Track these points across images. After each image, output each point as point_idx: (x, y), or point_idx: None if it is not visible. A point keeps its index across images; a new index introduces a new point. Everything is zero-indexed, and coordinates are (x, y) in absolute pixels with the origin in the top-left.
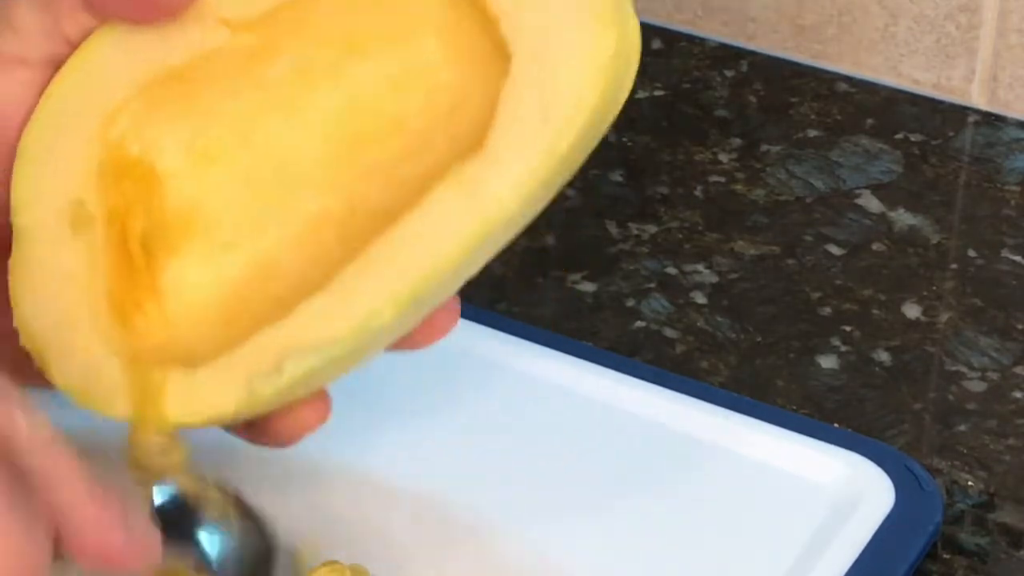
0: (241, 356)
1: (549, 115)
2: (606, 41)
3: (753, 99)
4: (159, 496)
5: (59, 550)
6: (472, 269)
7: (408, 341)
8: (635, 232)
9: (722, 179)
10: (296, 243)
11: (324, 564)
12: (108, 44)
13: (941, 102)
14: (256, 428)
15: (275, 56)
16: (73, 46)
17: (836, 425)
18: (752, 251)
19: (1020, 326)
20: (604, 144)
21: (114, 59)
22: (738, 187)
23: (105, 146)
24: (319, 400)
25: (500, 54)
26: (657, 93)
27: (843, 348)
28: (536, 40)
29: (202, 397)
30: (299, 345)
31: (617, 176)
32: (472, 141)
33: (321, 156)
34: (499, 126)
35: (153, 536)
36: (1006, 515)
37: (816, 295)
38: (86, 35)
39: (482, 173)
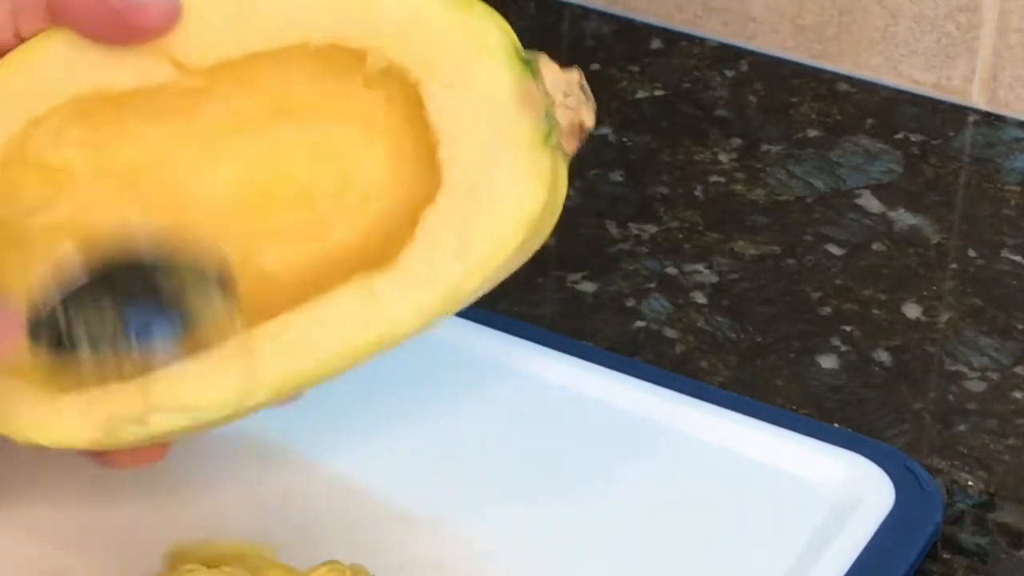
0: (108, 395)
1: (464, 254)
2: (535, 201)
3: (753, 99)
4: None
5: None
6: (354, 368)
7: (109, 458)
8: (635, 232)
9: (722, 179)
10: None
11: (324, 564)
12: (55, 50)
13: (941, 102)
14: (101, 456)
15: (211, 100)
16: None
17: (836, 425)
18: (752, 251)
19: (1020, 326)
20: (604, 144)
21: (57, 66)
22: (738, 187)
23: (19, 147)
24: (159, 447)
25: (431, 176)
26: (657, 93)
27: (843, 348)
28: (470, 178)
29: (58, 424)
30: (170, 404)
31: (617, 176)
32: (384, 251)
33: (224, 201)
34: (415, 248)
35: None
36: (1006, 515)
37: (816, 295)
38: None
39: (387, 290)
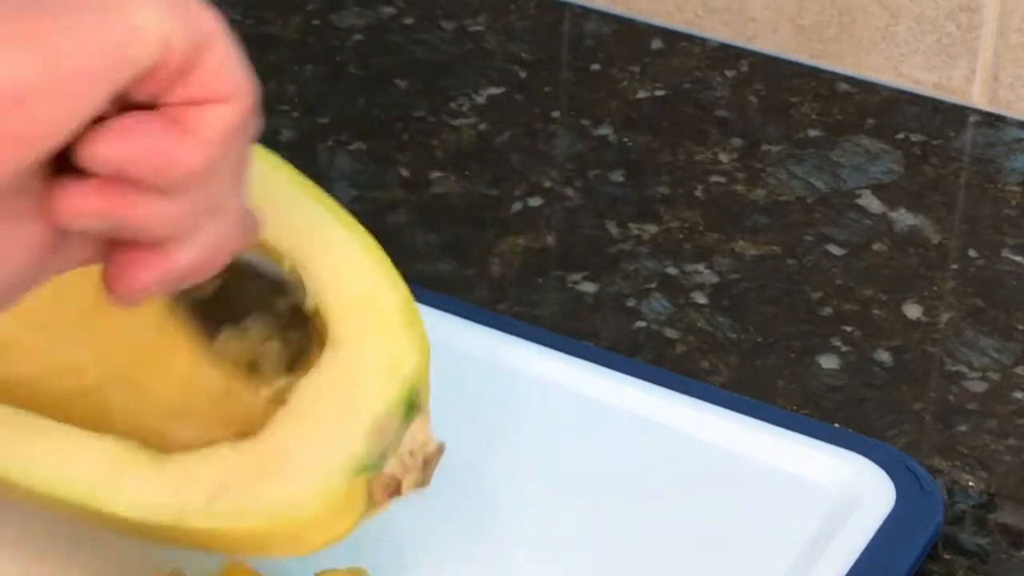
0: None
1: (214, 502)
2: (300, 511)
3: (754, 99)
4: None
5: None
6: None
7: None
8: (635, 232)
9: (722, 179)
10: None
11: (320, 573)
12: None
13: (942, 102)
14: None
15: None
16: None
17: (836, 425)
18: (752, 251)
19: (1021, 326)
20: (604, 144)
21: None
22: (738, 187)
23: None
24: None
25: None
26: (657, 93)
27: (844, 348)
28: (286, 446)
29: None
30: None
31: (617, 176)
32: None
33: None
34: (192, 458)
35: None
36: (1007, 515)
37: (817, 295)
38: None
39: (135, 470)
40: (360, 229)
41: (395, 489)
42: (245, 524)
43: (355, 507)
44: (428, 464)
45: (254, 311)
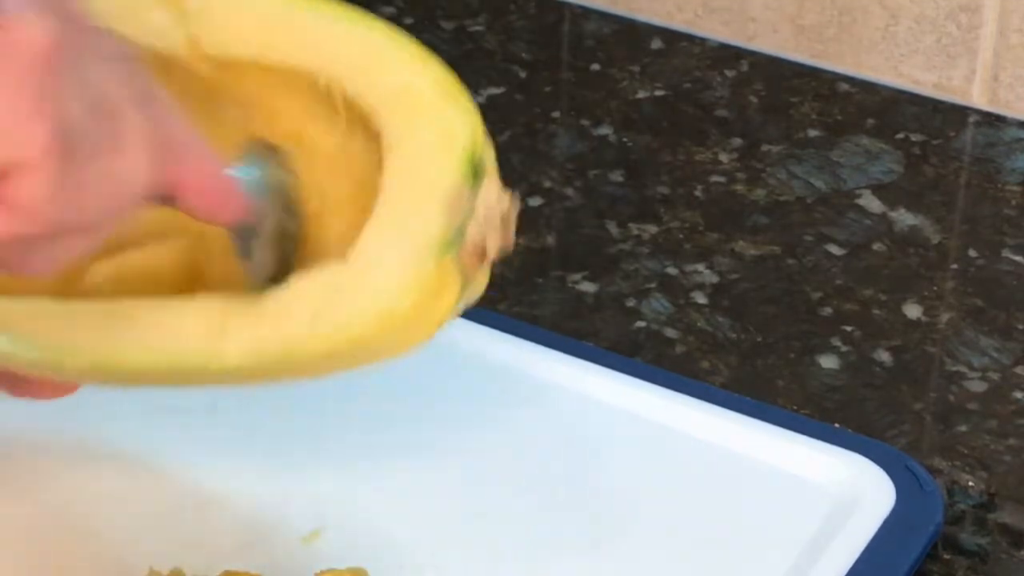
0: None
1: (317, 321)
2: (398, 303)
3: (753, 99)
4: None
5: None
6: (162, 382)
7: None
8: (635, 232)
9: (722, 179)
10: None
11: (321, 573)
12: None
13: (942, 102)
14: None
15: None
16: None
17: (836, 425)
18: (752, 251)
19: (1021, 326)
20: (604, 144)
21: None
22: (738, 187)
23: None
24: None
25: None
26: (657, 93)
27: (843, 348)
28: (368, 251)
29: None
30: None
31: (617, 176)
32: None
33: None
34: (284, 294)
35: None
36: (1006, 515)
37: (817, 295)
38: None
39: (234, 320)
40: (373, 20)
41: (482, 254)
42: (351, 333)
43: (451, 285)
44: (506, 221)
45: None
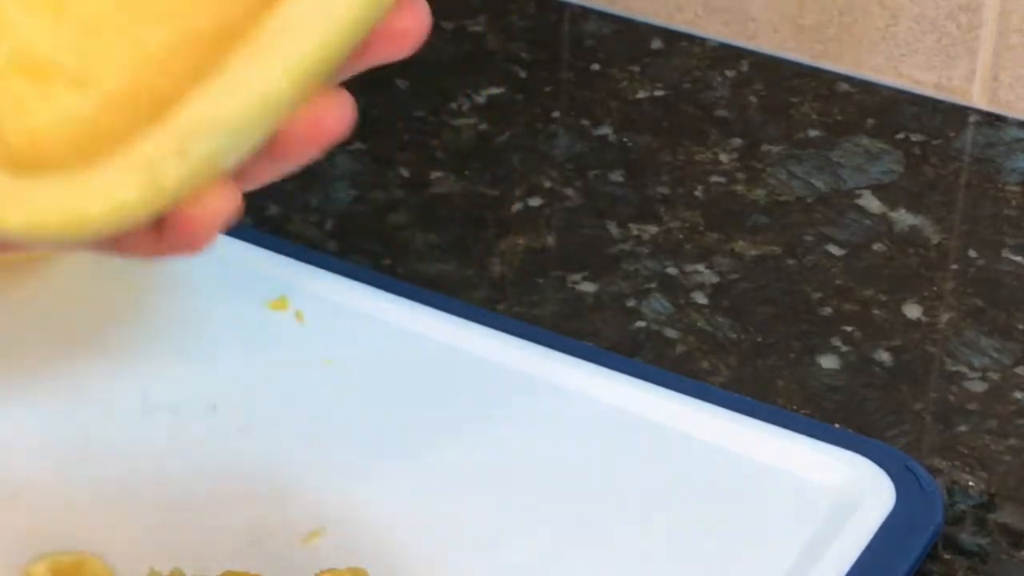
0: (137, 149)
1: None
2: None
3: (753, 99)
4: None
5: None
6: (352, 42)
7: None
8: (635, 232)
9: (722, 179)
10: (156, 67)
11: (321, 573)
12: None
13: (942, 102)
14: (168, 227)
15: None
16: None
17: (836, 425)
18: (753, 251)
19: (1021, 326)
20: (604, 144)
21: None
22: (738, 187)
23: None
24: (226, 186)
25: None
26: (657, 93)
27: (844, 348)
28: None
29: (99, 189)
30: (199, 126)
31: (617, 176)
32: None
33: None
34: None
35: None
36: (1007, 515)
37: (817, 295)
38: None
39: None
40: None
41: None
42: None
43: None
44: None
45: None
